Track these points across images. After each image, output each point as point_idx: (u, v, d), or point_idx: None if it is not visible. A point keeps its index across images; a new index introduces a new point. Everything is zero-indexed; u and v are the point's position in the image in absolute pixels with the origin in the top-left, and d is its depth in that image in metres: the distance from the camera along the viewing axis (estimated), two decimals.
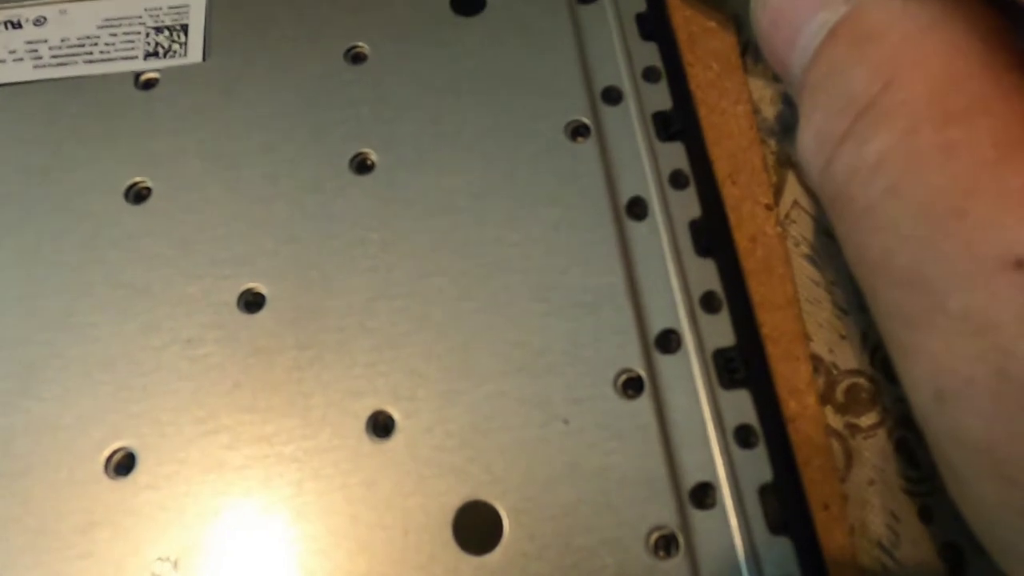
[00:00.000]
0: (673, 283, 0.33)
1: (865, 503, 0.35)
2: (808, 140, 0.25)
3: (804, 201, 0.38)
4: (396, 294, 0.34)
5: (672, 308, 0.33)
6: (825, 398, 0.36)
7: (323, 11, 0.38)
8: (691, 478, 0.32)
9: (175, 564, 0.30)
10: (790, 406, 0.34)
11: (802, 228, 0.38)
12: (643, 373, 0.32)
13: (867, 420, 0.36)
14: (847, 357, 0.36)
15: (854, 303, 0.37)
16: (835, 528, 0.33)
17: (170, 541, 0.31)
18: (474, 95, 0.36)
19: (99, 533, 0.31)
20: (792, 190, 0.38)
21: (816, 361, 0.36)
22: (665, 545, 0.31)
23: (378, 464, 0.32)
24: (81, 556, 0.30)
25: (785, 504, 0.31)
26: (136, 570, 0.30)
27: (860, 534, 0.35)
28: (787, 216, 0.38)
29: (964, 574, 0.34)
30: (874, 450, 0.36)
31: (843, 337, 0.37)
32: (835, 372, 0.37)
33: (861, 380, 0.37)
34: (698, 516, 0.32)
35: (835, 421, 0.36)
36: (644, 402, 0.32)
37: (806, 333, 0.36)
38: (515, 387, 0.32)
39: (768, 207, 0.35)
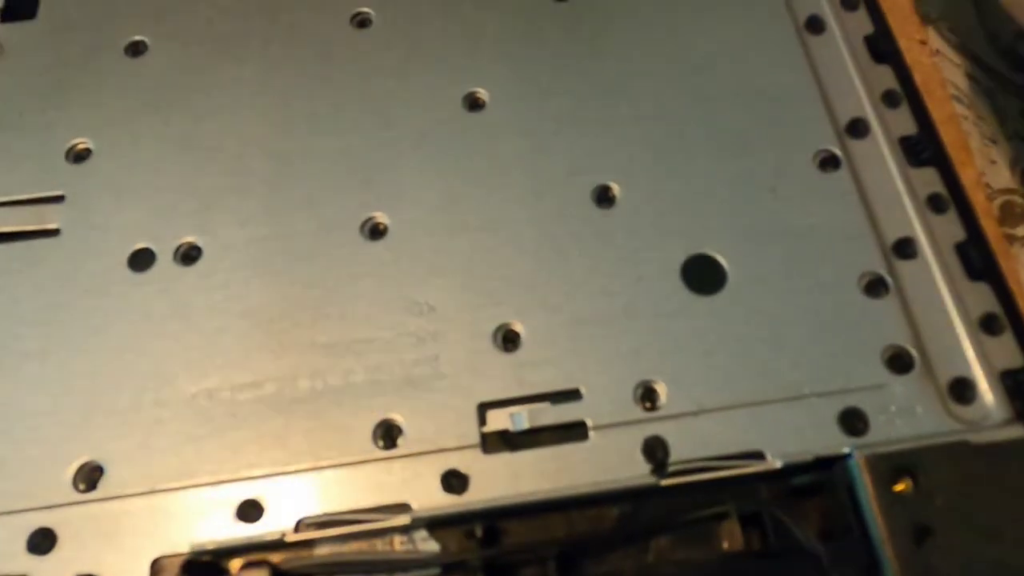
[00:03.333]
0: (856, 82, 0.36)
1: None
2: None
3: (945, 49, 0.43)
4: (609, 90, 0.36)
5: (858, 102, 0.36)
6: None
7: None
8: (892, 234, 0.33)
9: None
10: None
11: (948, 73, 0.42)
12: (839, 152, 0.34)
13: (1022, 231, 0.38)
14: (999, 178, 0.39)
15: (1000, 134, 0.40)
16: None
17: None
18: None
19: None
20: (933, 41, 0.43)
21: None
22: (875, 287, 0.32)
23: (605, 229, 0.33)
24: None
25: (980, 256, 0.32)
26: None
27: None
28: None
29: None
30: None
31: (993, 162, 0.39)
32: (989, 190, 0.39)
33: (1015, 197, 0.39)
34: (902, 264, 0.32)
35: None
36: (842, 174, 0.34)
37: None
38: (724, 165, 0.34)
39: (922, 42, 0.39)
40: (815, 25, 0.38)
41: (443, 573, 0.27)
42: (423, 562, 0.27)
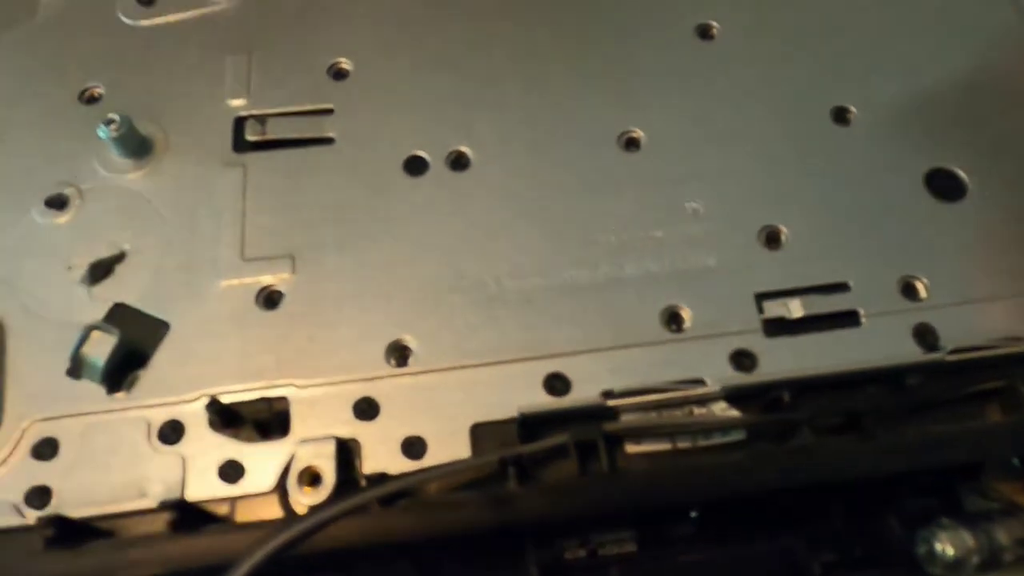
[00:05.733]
0: None
1: None
2: None
3: None
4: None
5: None
6: None
7: None
8: None
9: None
10: None
11: None
12: None
13: None
14: None
15: None
16: None
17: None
18: None
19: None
20: None
21: None
22: None
23: (844, 145, 0.36)
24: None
25: None
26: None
27: None
28: None
29: None
30: None
31: None
32: None
33: None
34: None
35: None
36: None
37: None
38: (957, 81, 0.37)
39: None
40: None
41: (748, 438, 0.30)
42: (739, 424, 0.29)
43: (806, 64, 0.38)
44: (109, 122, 0.34)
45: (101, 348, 0.30)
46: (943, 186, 0.35)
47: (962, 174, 0.35)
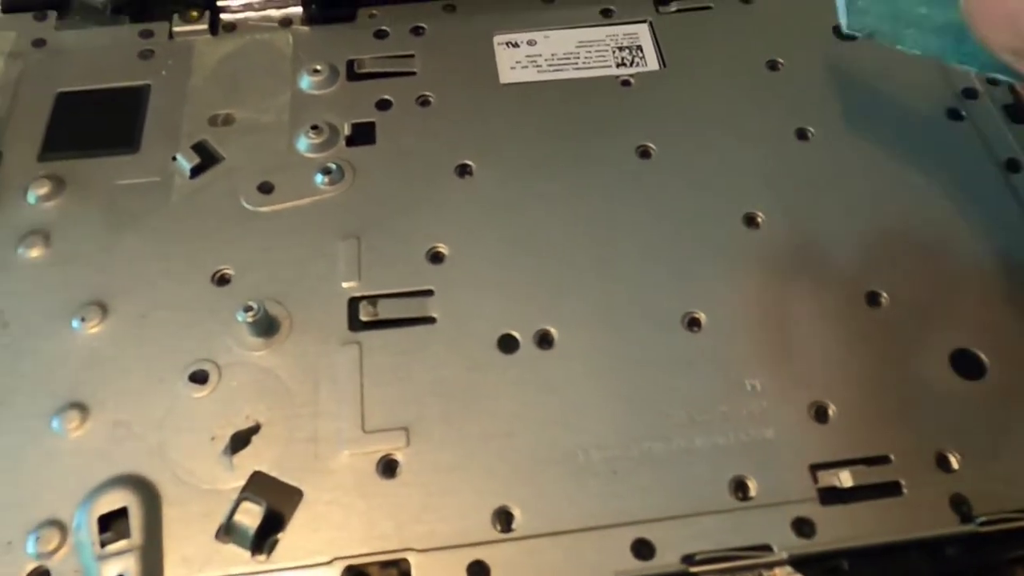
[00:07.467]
0: None
1: None
2: None
3: None
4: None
5: None
6: None
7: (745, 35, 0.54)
8: None
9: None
10: None
11: None
12: None
13: None
14: None
15: None
16: None
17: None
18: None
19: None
20: None
21: None
22: None
23: (874, 328, 0.41)
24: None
25: None
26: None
27: None
28: None
29: None
30: None
31: None
32: None
33: None
34: None
35: None
36: None
37: None
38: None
39: None
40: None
41: None
42: None
43: (842, 250, 0.44)
44: (247, 309, 0.40)
45: (251, 516, 0.35)
46: (966, 365, 0.40)
47: (981, 354, 0.41)
